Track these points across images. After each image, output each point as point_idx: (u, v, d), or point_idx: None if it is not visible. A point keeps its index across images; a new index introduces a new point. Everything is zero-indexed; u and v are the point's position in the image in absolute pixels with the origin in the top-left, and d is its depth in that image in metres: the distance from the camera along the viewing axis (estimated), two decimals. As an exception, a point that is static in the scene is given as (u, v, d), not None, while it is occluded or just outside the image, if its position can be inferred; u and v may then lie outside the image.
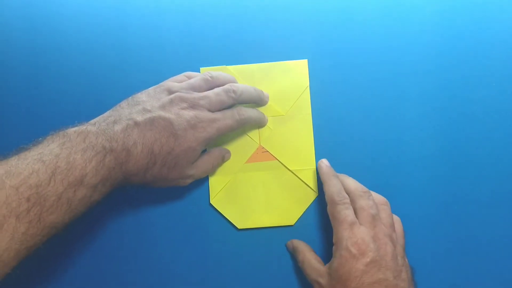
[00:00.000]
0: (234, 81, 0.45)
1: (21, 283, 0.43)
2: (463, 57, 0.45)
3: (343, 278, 0.35)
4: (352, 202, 0.39)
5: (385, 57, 0.46)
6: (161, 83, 0.42)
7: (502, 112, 0.45)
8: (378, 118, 0.45)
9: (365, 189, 0.40)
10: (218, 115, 0.40)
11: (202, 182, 0.45)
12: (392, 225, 0.39)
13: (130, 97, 0.40)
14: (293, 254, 0.43)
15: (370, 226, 0.37)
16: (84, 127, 0.34)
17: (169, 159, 0.38)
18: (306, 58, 0.46)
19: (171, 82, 0.42)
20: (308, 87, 0.46)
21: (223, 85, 0.42)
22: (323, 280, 0.37)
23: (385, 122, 0.45)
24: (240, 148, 0.46)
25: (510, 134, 0.44)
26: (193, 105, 0.39)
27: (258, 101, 0.45)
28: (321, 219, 0.45)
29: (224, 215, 0.45)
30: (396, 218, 0.41)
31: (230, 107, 0.42)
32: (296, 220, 0.44)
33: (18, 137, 0.45)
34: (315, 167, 0.45)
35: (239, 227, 0.44)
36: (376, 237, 0.37)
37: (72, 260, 0.44)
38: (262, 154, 0.46)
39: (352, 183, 0.41)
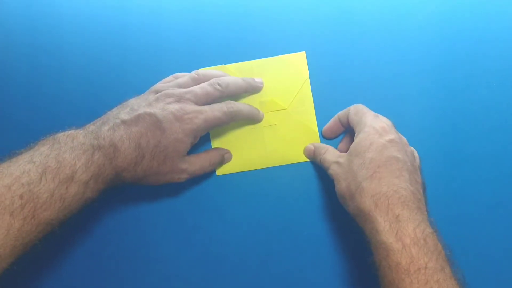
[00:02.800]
0: (222, 75, 0.44)
1: (19, 281, 0.43)
2: (464, 51, 0.46)
3: (363, 149, 0.37)
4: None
5: (383, 46, 0.46)
6: (150, 88, 0.43)
7: (502, 112, 0.45)
8: (380, 107, 0.45)
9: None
10: (205, 107, 0.40)
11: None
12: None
13: (121, 103, 0.41)
14: (314, 155, 0.44)
15: (388, 123, 0.40)
16: (73, 131, 0.36)
17: (157, 152, 0.38)
18: (303, 50, 0.46)
19: (159, 84, 0.43)
20: (308, 79, 0.46)
21: None
22: (342, 159, 0.39)
23: (386, 109, 0.45)
24: (244, 147, 0.46)
25: (510, 134, 0.45)
26: (178, 99, 0.39)
27: (249, 90, 0.45)
28: (332, 210, 0.45)
29: (234, 171, 0.45)
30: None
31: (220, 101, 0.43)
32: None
33: (18, 136, 0.46)
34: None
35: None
36: (395, 129, 0.39)
37: (67, 252, 0.45)
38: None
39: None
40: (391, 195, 0.34)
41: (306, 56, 0.46)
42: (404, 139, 0.41)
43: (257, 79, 0.45)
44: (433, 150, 0.45)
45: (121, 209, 0.45)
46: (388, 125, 0.39)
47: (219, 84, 0.41)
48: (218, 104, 0.41)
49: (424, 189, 0.39)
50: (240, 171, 0.46)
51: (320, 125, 0.46)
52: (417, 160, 0.41)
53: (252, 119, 0.45)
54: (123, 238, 0.45)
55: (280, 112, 0.46)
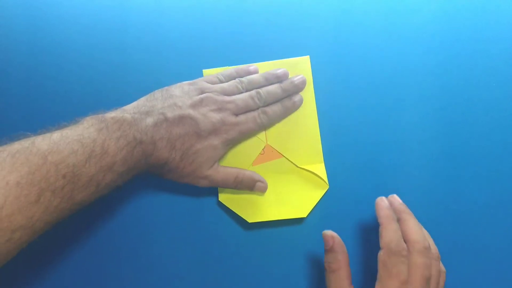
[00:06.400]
0: (264, 83, 0.44)
1: (18, 281, 0.43)
2: (467, 52, 0.45)
3: None
4: (409, 253, 0.35)
5: (387, 51, 0.46)
6: (195, 81, 0.43)
7: (502, 112, 0.45)
8: (381, 113, 0.45)
9: (426, 243, 0.36)
10: (241, 118, 0.42)
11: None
12: (438, 284, 0.36)
13: (165, 89, 0.42)
14: (327, 250, 0.38)
15: None
16: (121, 115, 0.37)
17: (188, 154, 0.39)
18: (308, 55, 0.46)
19: (205, 83, 0.43)
20: (312, 83, 0.46)
21: (253, 89, 0.43)
22: None
23: (389, 113, 0.45)
24: (247, 148, 0.46)
25: (510, 134, 0.45)
26: (220, 108, 0.41)
27: (286, 96, 0.45)
28: (334, 213, 0.45)
29: (233, 210, 0.44)
30: (442, 270, 0.38)
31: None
32: (308, 212, 0.44)
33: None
34: (323, 162, 0.45)
35: (250, 220, 0.44)
36: None
37: (73, 259, 0.45)
38: (270, 153, 0.46)
39: (414, 231, 0.36)
40: None
41: (310, 60, 0.46)
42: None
43: (297, 79, 0.45)
44: (433, 150, 0.45)
45: (120, 208, 0.45)
46: None
47: (258, 99, 0.43)
48: (252, 114, 0.43)
49: None
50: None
51: (322, 130, 0.45)
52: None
53: (290, 113, 0.46)
54: (122, 237, 0.45)
55: (282, 115, 0.46)
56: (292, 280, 0.44)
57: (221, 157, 0.42)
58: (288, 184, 0.45)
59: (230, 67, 0.46)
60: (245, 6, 0.47)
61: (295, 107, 0.45)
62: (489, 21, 0.46)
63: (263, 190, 0.44)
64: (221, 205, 0.45)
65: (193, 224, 0.45)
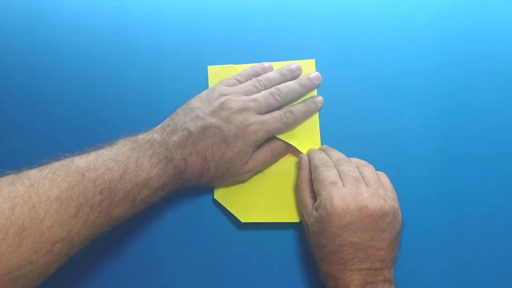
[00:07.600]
0: (282, 79, 0.45)
1: None
2: (468, 54, 0.45)
3: (318, 231, 0.38)
4: (336, 167, 0.41)
5: (391, 55, 0.46)
6: (213, 87, 0.43)
7: (502, 112, 0.44)
8: (384, 117, 0.45)
9: (346, 158, 0.42)
10: (267, 117, 0.41)
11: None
12: (378, 181, 0.40)
13: (185, 104, 0.42)
14: (298, 174, 0.44)
15: (352, 186, 0.38)
16: (151, 136, 0.38)
17: (222, 163, 0.40)
18: (313, 58, 0.46)
19: (223, 86, 0.43)
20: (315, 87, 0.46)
21: (272, 87, 0.44)
22: (308, 220, 0.40)
23: (391, 120, 0.45)
24: None
25: (510, 134, 0.44)
26: (243, 108, 0.40)
27: (305, 93, 0.45)
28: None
29: (228, 208, 0.44)
30: (381, 173, 0.42)
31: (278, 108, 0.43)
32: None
33: (18, 136, 0.47)
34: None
35: (242, 220, 0.43)
36: (360, 196, 0.37)
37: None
38: None
39: (335, 154, 0.42)
40: (340, 277, 0.36)
41: (316, 64, 0.46)
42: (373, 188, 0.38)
43: (312, 76, 0.45)
44: (434, 150, 0.44)
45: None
46: (343, 199, 0.37)
47: (279, 95, 0.43)
48: (278, 113, 0.42)
49: (392, 241, 0.38)
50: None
51: (323, 134, 0.45)
52: (391, 193, 0.40)
53: (312, 114, 0.46)
54: (114, 234, 0.44)
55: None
56: (285, 280, 0.43)
57: (251, 156, 0.42)
58: (286, 186, 0.45)
59: (236, 66, 0.46)
60: (251, 8, 0.47)
61: (317, 107, 0.45)
62: (491, 22, 0.46)
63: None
64: (216, 203, 0.45)
65: (187, 222, 0.45)
